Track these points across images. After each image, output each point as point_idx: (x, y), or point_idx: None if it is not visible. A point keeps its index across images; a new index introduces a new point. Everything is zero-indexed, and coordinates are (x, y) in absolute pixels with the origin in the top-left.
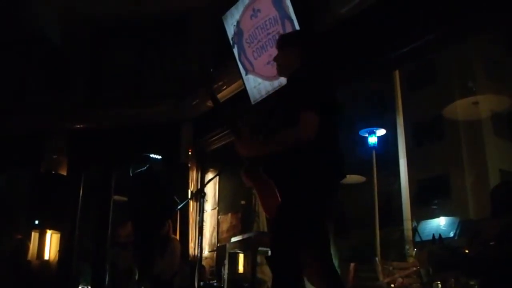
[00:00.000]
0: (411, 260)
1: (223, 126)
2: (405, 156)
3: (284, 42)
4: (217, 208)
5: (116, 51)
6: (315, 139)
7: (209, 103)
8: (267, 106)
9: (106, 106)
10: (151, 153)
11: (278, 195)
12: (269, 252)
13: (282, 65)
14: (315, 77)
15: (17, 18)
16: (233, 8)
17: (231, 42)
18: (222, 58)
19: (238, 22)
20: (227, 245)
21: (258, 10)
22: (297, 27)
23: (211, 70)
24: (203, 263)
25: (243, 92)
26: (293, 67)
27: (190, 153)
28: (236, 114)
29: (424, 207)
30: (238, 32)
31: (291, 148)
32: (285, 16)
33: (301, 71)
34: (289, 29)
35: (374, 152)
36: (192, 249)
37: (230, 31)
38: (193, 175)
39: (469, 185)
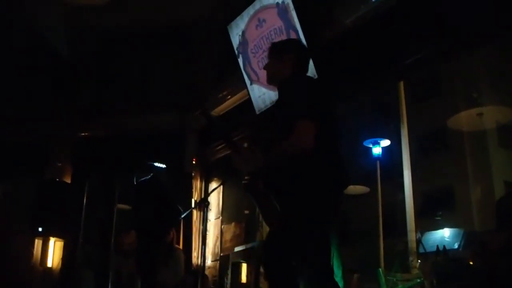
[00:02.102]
0: (415, 271)
1: (220, 141)
2: (410, 167)
3: (276, 50)
4: (220, 218)
5: (123, 61)
6: (313, 148)
7: (204, 122)
8: (262, 118)
9: (112, 115)
10: (156, 162)
11: (278, 208)
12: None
13: (273, 74)
14: (307, 84)
15: (24, 27)
16: (238, 18)
17: (236, 52)
18: (227, 68)
19: (243, 32)
20: (230, 255)
21: (264, 20)
22: (302, 38)
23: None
24: (206, 272)
25: (248, 102)
26: (284, 76)
27: (194, 162)
28: (231, 129)
29: (429, 218)
30: (243, 42)
31: (290, 159)
32: (290, 26)
33: (292, 79)
34: None
35: (378, 162)
36: (195, 258)
37: (235, 41)
38: (197, 184)
39: (474, 197)
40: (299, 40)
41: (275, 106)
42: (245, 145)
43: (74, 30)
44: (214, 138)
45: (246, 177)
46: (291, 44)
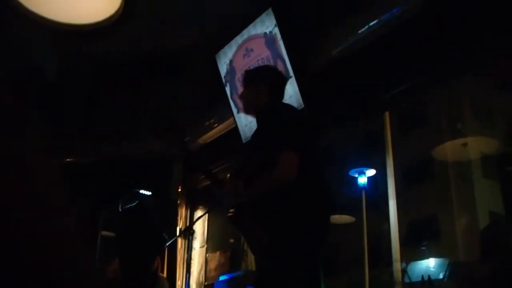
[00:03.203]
0: None
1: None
2: (395, 196)
3: (251, 78)
4: (205, 246)
5: (111, 87)
6: (297, 178)
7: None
8: (244, 149)
9: (98, 140)
10: (141, 189)
11: (264, 238)
12: None
13: (249, 102)
14: (289, 113)
15: (12, 51)
16: (226, 47)
17: (223, 80)
18: (215, 96)
19: (231, 61)
20: (215, 284)
21: (251, 50)
22: (289, 67)
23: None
24: None
25: (235, 130)
26: (261, 104)
27: (180, 190)
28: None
29: (414, 248)
30: (231, 71)
31: (274, 191)
32: (277, 56)
33: (273, 108)
34: (281, 68)
35: (363, 192)
36: (180, 287)
37: (223, 69)
38: (183, 212)
39: (459, 226)
40: (274, 67)
41: (256, 136)
42: (228, 175)
43: (62, 55)
44: (195, 172)
45: (230, 210)
46: (266, 71)
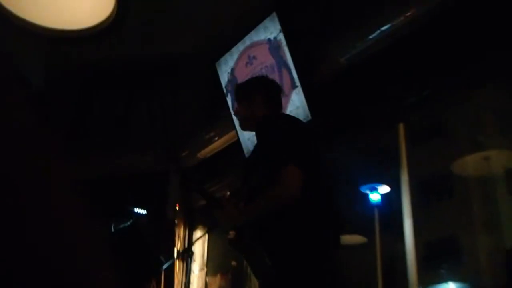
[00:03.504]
0: None
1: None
2: (411, 215)
3: (244, 92)
4: (205, 269)
5: (103, 97)
6: (302, 195)
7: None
8: (244, 166)
9: (89, 155)
10: (136, 207)
11: (268, 261)
12: None
13: (245, 118)
14: (288, 123)
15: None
16: (227, 54)
17: (224, 90)
18: (215, 108)
19: (232, 70)
20: None
21: (254, 57)
22: (295, 76)
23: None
24: None
25: (237, 144)
26: (257, 119)
27: (177, 208)
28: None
29: (432, 271)
30: (232, 80)
31: (277, 210)
32: (282, 63)
33: (269, 121)
34: (286, 78)
35: (376, 210)
36: None
37: (224, 79)
38: (180, 232)
39: (482, 248)
40: (264, 76)
41: (255, 152)
42: (228, 194)
43: (49, 62)
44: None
45: (230, 232)
46: (257, 82)
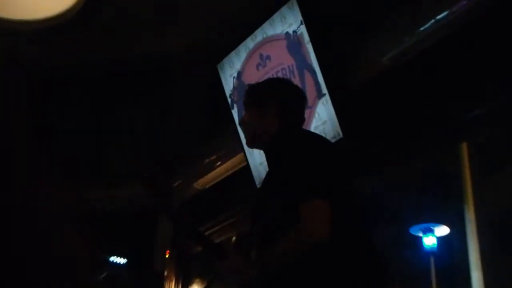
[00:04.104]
0: None
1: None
2: (480, 266)
3: (254, 96)
4: None
5: (67, 109)
6: (331, 238)
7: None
8: (255, 200)
9: (53, 186)
10: (112, 255)
11: None
12: None
13: (252, 130)
14: (311, 145)
15: None
16: (232, 53)
17: (229, 100)
18: (217, 123)
19: (239, 73)
20: None
21: (267, 58)
22: (321, 82)
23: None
24: None
25: (245, 171)
26: (269, 133)
27: (167, 256)
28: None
29: None
30: (240, 87)
31: (299, 258)
32: (304, 65)
33: (286, 137)
34: (310, 84)
35: (432, 259)
36: None
37: (228, 85)
38: (171, 287)
39: None
40: (285, 79)
41: (267, 180)
42: (233, 239)
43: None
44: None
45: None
46: (273, 85)
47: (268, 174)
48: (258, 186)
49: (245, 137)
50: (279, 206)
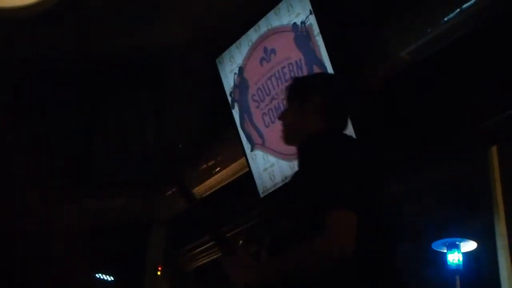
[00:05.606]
0: None
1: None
2: None
3: (297, 88)
4: None
5: (51, 114)
6: (355, 251)
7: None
8: (272, 201)
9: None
10: (98, 272)
11: None
12: None
13: (293, 127)
14: (348, 150)
15: None
16: (233, 47)
17: (229, 99)
18: (215, 125)
19: (241, 69)
20: None
21: (272, 51)
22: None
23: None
24: None
25: (247, 178)
26: (307, 131)
27: (159, 272)
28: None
29: None
30: (241, 84)
31: (317, 268)
32: (313, 60)
33: (323, 139)
34: None
35: (458, 277)
36: None
37: (228, 82)
38: None
39: None
40: (334, 75)
41: (294, 181)
42: (240, 242)
43: None
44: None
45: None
46: (320, 80)
47: (295, 174)
48: (262, 194)
49: (283, 132)
50: (301, 211)
